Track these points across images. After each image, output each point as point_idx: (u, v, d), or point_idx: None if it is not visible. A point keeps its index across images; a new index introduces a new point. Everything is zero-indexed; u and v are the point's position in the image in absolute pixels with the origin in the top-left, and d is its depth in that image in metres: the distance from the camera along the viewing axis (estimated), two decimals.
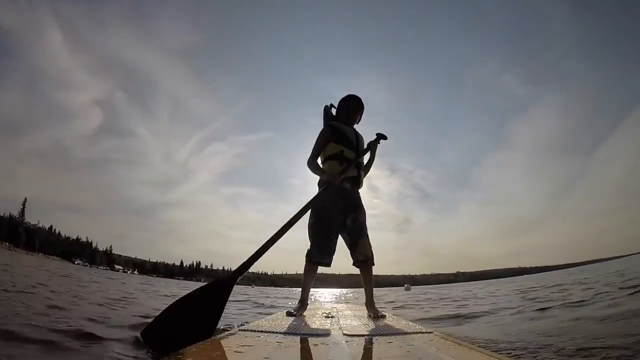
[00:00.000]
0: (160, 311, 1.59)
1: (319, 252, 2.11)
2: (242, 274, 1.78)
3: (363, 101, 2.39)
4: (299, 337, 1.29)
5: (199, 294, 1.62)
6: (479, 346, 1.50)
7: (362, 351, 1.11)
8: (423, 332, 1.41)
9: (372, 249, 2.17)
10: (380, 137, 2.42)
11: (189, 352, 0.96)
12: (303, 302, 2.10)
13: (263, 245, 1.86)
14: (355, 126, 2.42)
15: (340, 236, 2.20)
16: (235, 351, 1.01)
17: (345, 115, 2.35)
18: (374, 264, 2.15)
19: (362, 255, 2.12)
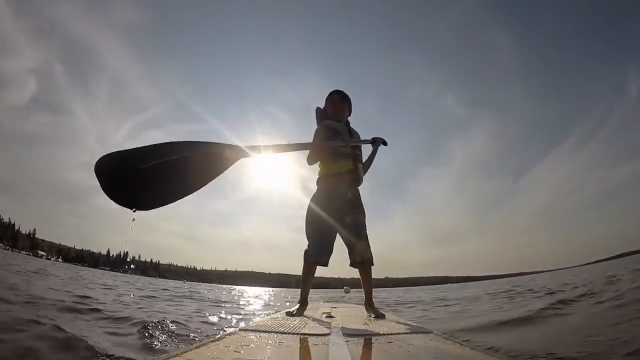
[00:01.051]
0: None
1: (317, 252, 2.10)
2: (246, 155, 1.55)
3: (348, 94, 2.37)
4: (299, 337, 1.29)
5: (194, 147, 1.31)
6: (478, 346, 1.50)
7: (362, 351, 1.11)
8: (423, 332, 1.41)
9: (371, 249, 2.15)
10: (381, 142, 2.39)
11: (189, 352, 0.96)
12: (303, 302, 2.10)
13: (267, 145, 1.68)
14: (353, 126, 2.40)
15: (339, 236, 2.20)
16: (235, 351, 1.01)
17: (333, 111, 2.33)
18: (373, 265, 2.14)
19: (360, 257, 2.11)
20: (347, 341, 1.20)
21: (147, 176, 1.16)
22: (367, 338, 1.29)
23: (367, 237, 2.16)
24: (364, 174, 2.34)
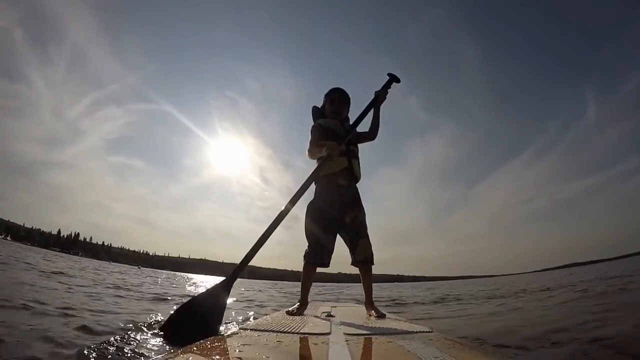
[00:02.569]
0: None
1: (316, 254, 2.09)
2: (238, 275, 1.96)
3: (348, 93, 2.37)
4: (299, 336, 1.28)
5: (204, 296, 1.87)
6: (478, 346, 1.50)
7: (362, 351, 1.11)
8: (423, 332, 1.40)
9: (372, 248, 2.15)
10: (393, 79, 2.28)
11: (189, 352, 0.96)
12: (303, 302, 2.10)
13: (256, 243, 1.99)
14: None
15: (339, 235, 2.19)
16: (235, 351, 1.01)
17: (332, 110, 2.32)
18: (373, 264, 2.14)
19: (362, 256, 2.10)
20: (347, 340, 1.20)
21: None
22: (367, 337, 1.29)
23: (368, 236, 2.16)
24: (374, 137, 2.33)
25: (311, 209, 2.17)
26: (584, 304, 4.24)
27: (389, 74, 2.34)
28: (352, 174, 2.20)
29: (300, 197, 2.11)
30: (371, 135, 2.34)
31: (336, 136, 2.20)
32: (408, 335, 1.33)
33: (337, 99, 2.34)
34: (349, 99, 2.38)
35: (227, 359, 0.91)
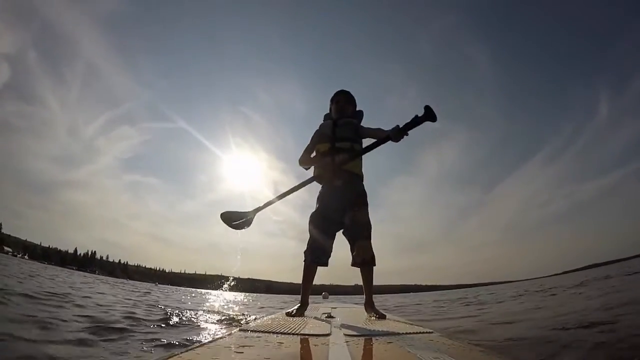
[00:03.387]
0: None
1: (314, 253, 2.12)
2: (266, 206, 2.21)
3: (352, 93, 2.40)
4: (299, 337, 1.28)
5: (238, 212, 2.26)
6: (478, 346, 1.50)
7: (363, 352, 1.11)
8: (423, 333, 1.40)
9: (373, 249, 2.12)
10: (428, 116, 1.88)
11: (189, 352, 0.96)
12: (303, 303, 2.10)
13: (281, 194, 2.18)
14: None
15: (342, 234, 2.20)
16: (235, 351, 1.01)
17: (336, 111, 2.36)
18: (375, 265, 2.12)
19: (360, 257, 2.10)
20: (347, 341, 1.19)
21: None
22: (368, 338, 1.29)
23: (369, 237, 2.12)
24: (360, 153, 2.13)
25: (313, 212, 2.20)
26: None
27: (426, 108, 1.90)
28: (344, 172, 2.13)
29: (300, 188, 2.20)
30: (373, 135, 2.15)
31: (324, 137, 2.25)
32: (408, 336, 1.33)
33: (343, 100, 2.38)
34: (353, 97, 2.41)
35: None
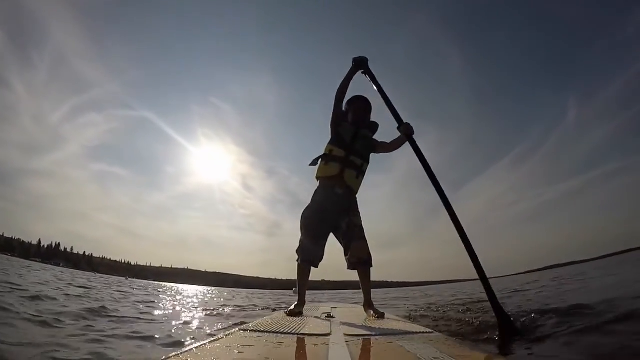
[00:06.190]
0: None
1: (305, 253, 2.12)
2: None
3: (370, 101, 2.40)
4: (299, 337, 1.28)
5: None
6: (478, 346, 1.50)
7: (362, 351, 1.11)
8: (423, 332, 1.40)
9: (369, 250, 2.15)
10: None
11: (189, 352, 0.96)
12: (301, 302, 2.10)
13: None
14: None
15: (337, 241, 2.22)
16: (235, 351, 1.01)
17: (352, 117, 2.35)
18: (371, 266, 2.15)
19: (355, 258, 2.12)
20: (347, 341, 1.19)
21: None
22: (367, 338, 1.29)
23: (365, 238, 2.16)
24: (390, 151, 2.31)
25: (307, 209, 2.20)
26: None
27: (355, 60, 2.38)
28: (345, 184, 2.18)
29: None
30: (389, 148, 2.33)
31: (341, 142, 2.23)
32: (408, 335, 1.33)
33: (362, 107, 2.36)
34: (371, 107, 2.41)
35: None
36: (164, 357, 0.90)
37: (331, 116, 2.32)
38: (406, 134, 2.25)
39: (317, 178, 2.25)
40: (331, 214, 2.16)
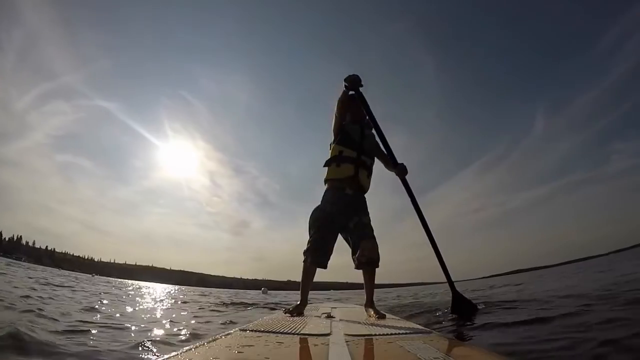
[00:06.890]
0: None
1: (314, 253, 2.11)
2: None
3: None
4: (299, 337, 1.28)
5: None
6: (478, 346, 1.50)
7: (362, 351, 1.11)
8: (423, 332, 1.40)
9: (379, 251, 2.14)
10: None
11: (189, 352, 0.96)
12: (303, 302, 2.10)
13: None
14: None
15: (342, 239, 2.21)
16: (235, 351, 1.01)
17: (351, 116, 2.34)
18: (378, 267, 2.14)
19: (365, 257, 2.10)
20: (347, 341, 1.19)
21: None
22: (367, 338, 1.29)
23: (374, 237, 2.16)
24: (388, 165, 2.40)
25: (316, 211, 2.20)
26: None
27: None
28: (359, 184, 2.21)
29: None
30: (383, 162, 2.43)
31: (351, 143, 2.24)
32: (408, 335, 1.33)
33: (358, 105, 2.35)
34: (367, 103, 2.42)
35: None
36: (164, 357, 0.90)
37: (333, 123, 2.31)
38: (401, 177, 2.38)
39: (326, 181, 2.25)
40: (341, 215, 2.15)
